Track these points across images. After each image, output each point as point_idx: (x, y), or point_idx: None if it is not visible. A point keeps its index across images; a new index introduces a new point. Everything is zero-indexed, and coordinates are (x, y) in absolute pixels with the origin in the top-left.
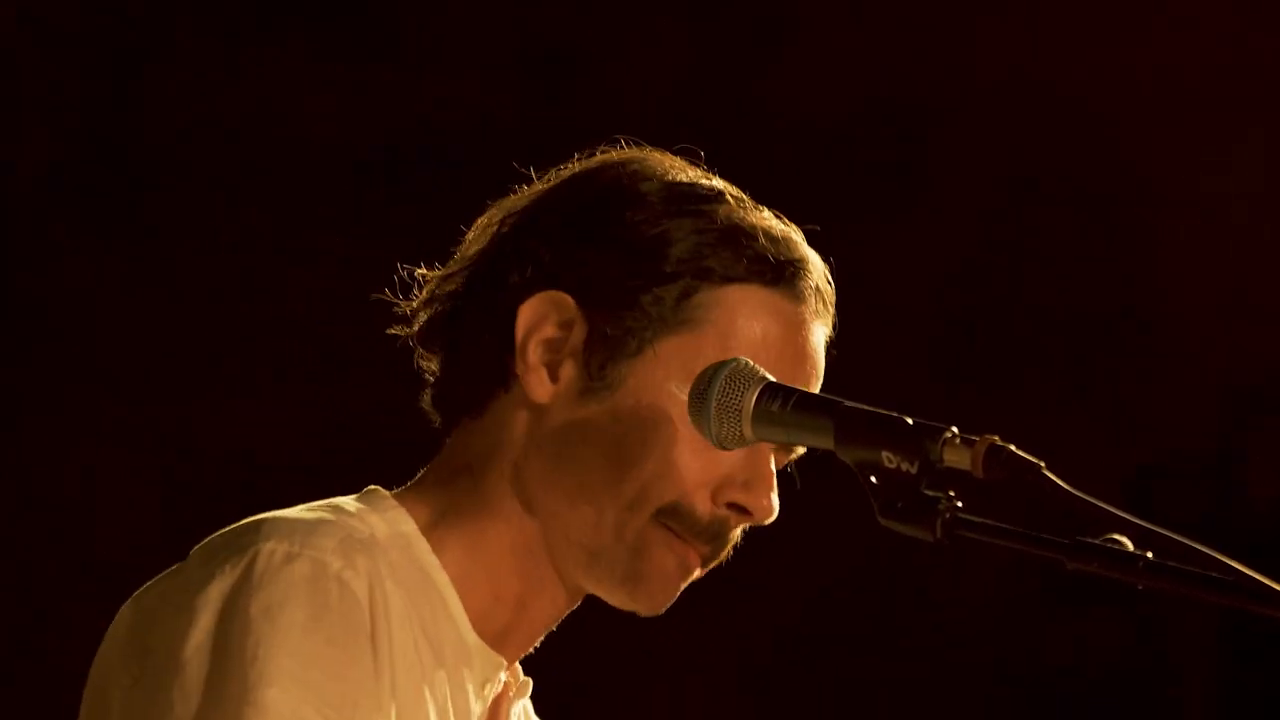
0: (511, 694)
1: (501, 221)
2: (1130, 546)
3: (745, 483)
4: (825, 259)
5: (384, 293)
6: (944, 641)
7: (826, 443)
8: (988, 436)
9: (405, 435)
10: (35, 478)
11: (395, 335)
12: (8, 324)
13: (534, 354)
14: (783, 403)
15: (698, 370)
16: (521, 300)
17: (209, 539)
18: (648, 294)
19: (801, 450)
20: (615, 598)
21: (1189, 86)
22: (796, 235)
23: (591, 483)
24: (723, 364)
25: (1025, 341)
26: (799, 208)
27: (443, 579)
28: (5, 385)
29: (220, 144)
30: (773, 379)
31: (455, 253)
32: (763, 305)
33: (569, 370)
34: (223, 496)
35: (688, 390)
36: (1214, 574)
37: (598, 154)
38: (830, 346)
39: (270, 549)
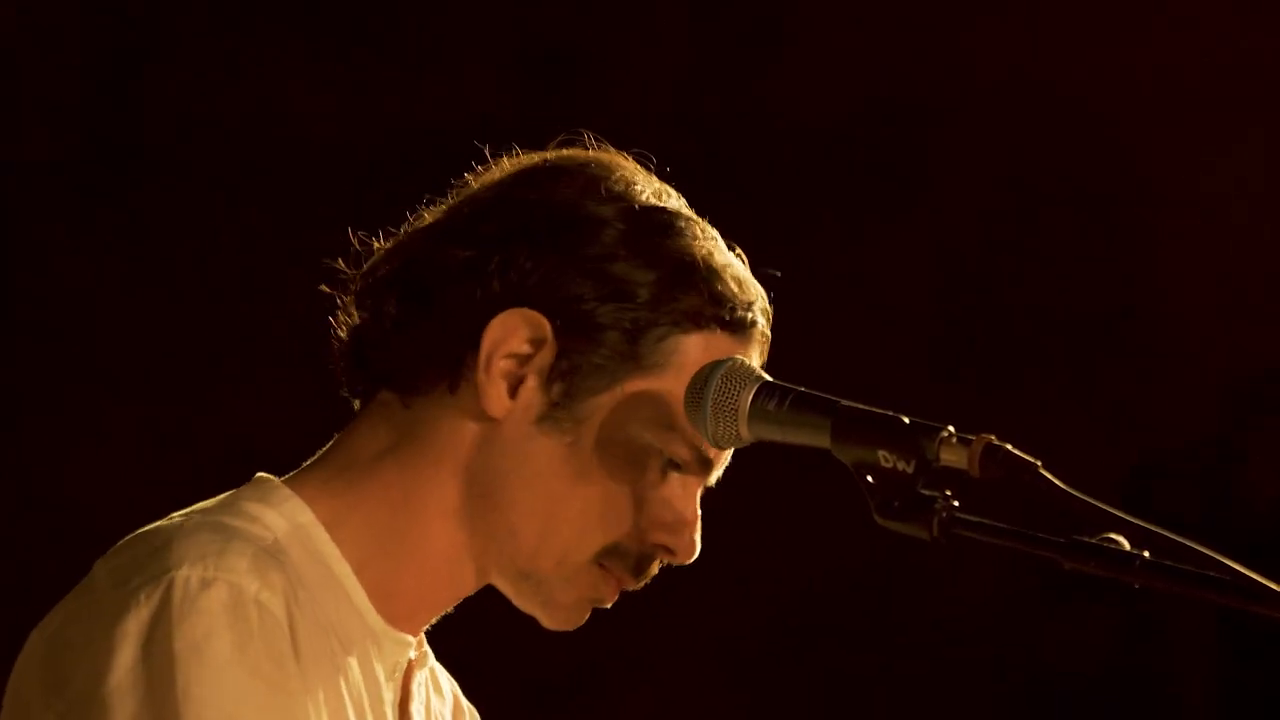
0: (415, 669)
1: (473, 201)
2: (1127, 545)
3: (671, 524)
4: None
5: (336, 262)
6: (943, 639)
7: (823, 441)
8: (984, 436)
9: None
10: (35, 478)
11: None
12: (8, 324)
13: (498, 367)
14: (779, 401)
15: (659, 414)
16: (496, 308)
17: (114, 555)
18: (618, 331)
19: (720, 472)
20: (529, 610)
21: (1189, 86)
22: (746, 270)
23: (540, 511)
24: (719, 363)
25: (1024, 341)
26: (799, 208)
27: (343, 569)
28: (5, 385)
29: (220, 144)
30: (769, 378)
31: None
32: (722, 352)
33: (529, 391)
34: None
35: (648, 434)
36: (1210, 573)
37: (564, 151)
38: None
39: (185, 576)
